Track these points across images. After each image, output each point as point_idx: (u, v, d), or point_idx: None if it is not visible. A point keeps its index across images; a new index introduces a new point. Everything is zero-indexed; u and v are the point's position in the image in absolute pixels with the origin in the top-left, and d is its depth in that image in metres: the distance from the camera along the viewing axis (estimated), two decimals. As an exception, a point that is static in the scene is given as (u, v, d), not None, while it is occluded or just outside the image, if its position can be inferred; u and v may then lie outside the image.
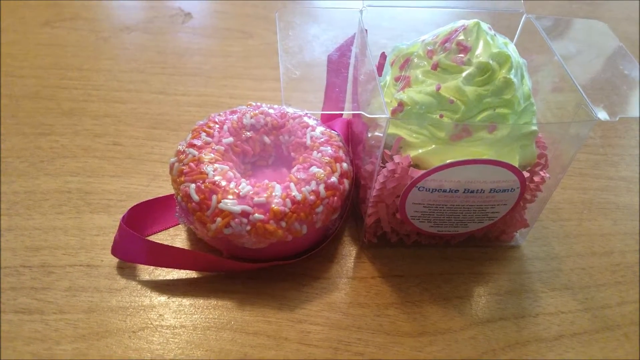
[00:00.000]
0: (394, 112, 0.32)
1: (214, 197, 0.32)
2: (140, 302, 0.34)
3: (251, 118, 0.37)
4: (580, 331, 0.34)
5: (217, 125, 0.36)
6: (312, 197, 0.33)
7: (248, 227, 0.32)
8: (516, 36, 0.39)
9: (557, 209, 0.42)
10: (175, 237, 0.38)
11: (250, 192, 0.32)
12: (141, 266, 0.35)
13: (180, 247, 0.37)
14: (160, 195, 0.39)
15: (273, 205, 0.32)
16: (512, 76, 0.31)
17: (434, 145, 0.32)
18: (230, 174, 0.34)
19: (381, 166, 0.32)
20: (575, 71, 0.34)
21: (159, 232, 0.38)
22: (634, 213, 0.43)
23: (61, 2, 0.61)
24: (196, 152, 0.34)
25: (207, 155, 0.34)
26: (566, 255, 0.39)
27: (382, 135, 0.31)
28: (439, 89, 0.31)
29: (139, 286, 0.34)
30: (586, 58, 0.37)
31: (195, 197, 0.32)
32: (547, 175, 0.34)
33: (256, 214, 0.32)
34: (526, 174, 0.32)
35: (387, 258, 0.37)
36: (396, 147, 0.32)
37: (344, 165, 0.35)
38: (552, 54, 0.35)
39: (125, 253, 0.35)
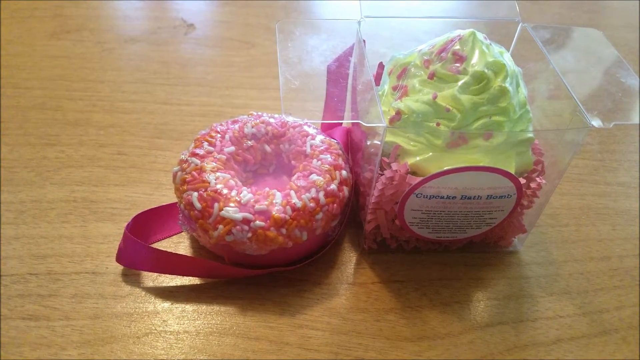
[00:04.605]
0: (391, 121, 0.32)
1: (216, 205, 0.33)
2: (145, 308, 0.34)
3: (252, 127, 0.38)
4: (579, 335, 0.35)
5: (219, 135, 0.37)
6: (312, 204, 0.33)
7: (249, 234, 0.32)
8: (512, 44, 0.40)
9: (555, 214, 0.43)
10: (179, 244, 0.38)
11: (252, 200, 0.33)
12: (145, 273, 0.36)
13: (184, 254, 0.37)
14: (164, 204, 0.39)
15: (274, 213, 0.33)
16: (507, 84, 0.32)
17: (431, 153, 0.32)
18: (232, 182, 0.34)
19: (379, 173, 0.33)
20: (571, 80, 0.34)
21: (163, 239, 0.38)
22: (632, 218, 0.43)
23: (67, 15, 0.63)
24: (198, 161, 0.35)
25: (209, 164, 0.35)
26: (564, 260, 0.39)
27: (380, 143, 0.32)
28: (435, 97, 0.32)
29: (143, 293, 0.35)
30: (583, 66, 0.37)
31: (198, 205, 0.33)
32: (544, 181, 0.35)
33: (257, 221, 0.32)
34: (522, 180, 0.33)
35: (386, 264, 0.38)
36: (394, 154, 0.33)
37: (344, 172, 0.36)
38: (548, 62, 0.36)
39: (130, 260, 0.36)
